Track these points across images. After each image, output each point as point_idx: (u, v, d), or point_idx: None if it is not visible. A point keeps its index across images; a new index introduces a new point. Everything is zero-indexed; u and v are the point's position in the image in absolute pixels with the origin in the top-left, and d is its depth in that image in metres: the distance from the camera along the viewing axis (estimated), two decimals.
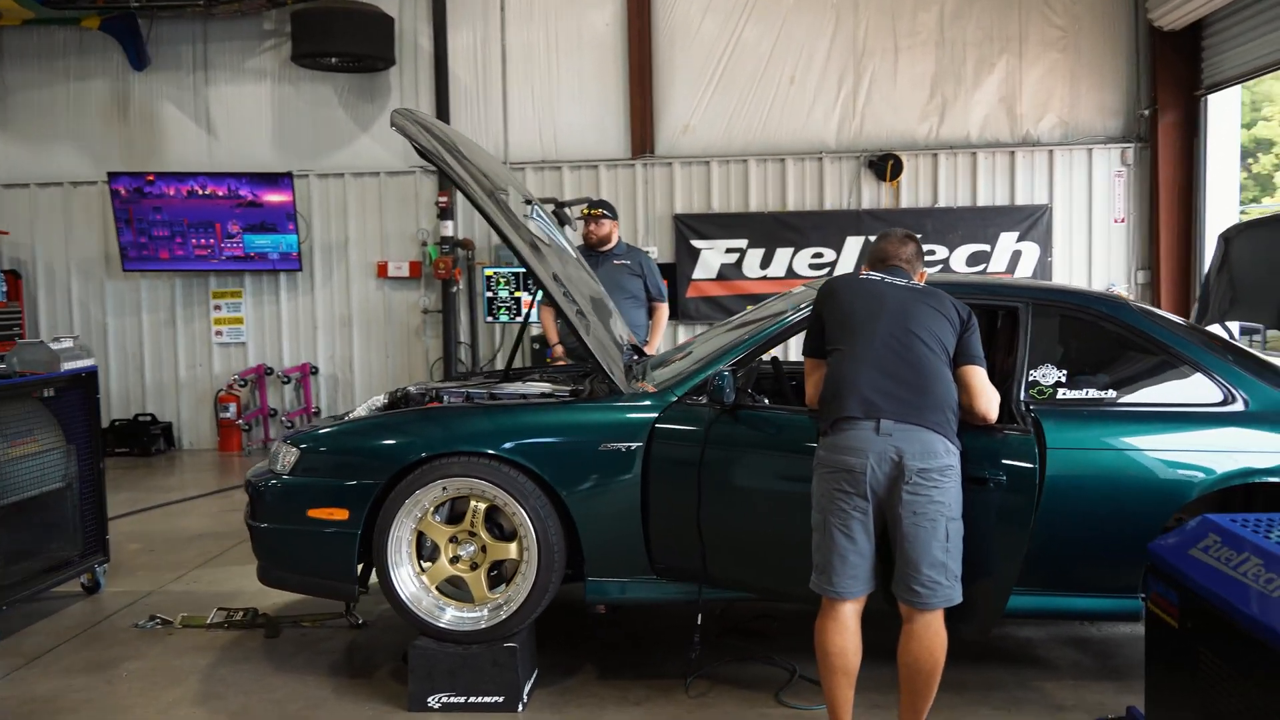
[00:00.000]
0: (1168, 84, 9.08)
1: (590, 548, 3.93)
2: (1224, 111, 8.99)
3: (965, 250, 9.45)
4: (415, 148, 4.14)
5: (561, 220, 8.38)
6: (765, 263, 9.59)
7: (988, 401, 3.36)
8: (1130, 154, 9.39)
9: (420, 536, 4.02)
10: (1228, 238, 5.07)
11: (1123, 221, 9.43)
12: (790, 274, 9.54)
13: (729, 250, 9.65)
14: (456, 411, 4.15)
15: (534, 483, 3.91)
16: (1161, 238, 9.15)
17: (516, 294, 9.33)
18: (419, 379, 9.59)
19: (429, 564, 4.03)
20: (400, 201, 9.92)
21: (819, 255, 9.57)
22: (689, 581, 3.94)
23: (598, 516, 3.91)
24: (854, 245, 9.53)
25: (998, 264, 9.41)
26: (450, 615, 3.98)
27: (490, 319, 9.30)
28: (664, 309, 6.88)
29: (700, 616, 3.93)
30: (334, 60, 9.57)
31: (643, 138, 9.70)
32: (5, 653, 4.64)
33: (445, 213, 9.64)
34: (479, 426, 4.00)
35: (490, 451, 3.92)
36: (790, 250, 9.57)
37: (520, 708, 3.90)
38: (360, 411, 4.77)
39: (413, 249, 9.93)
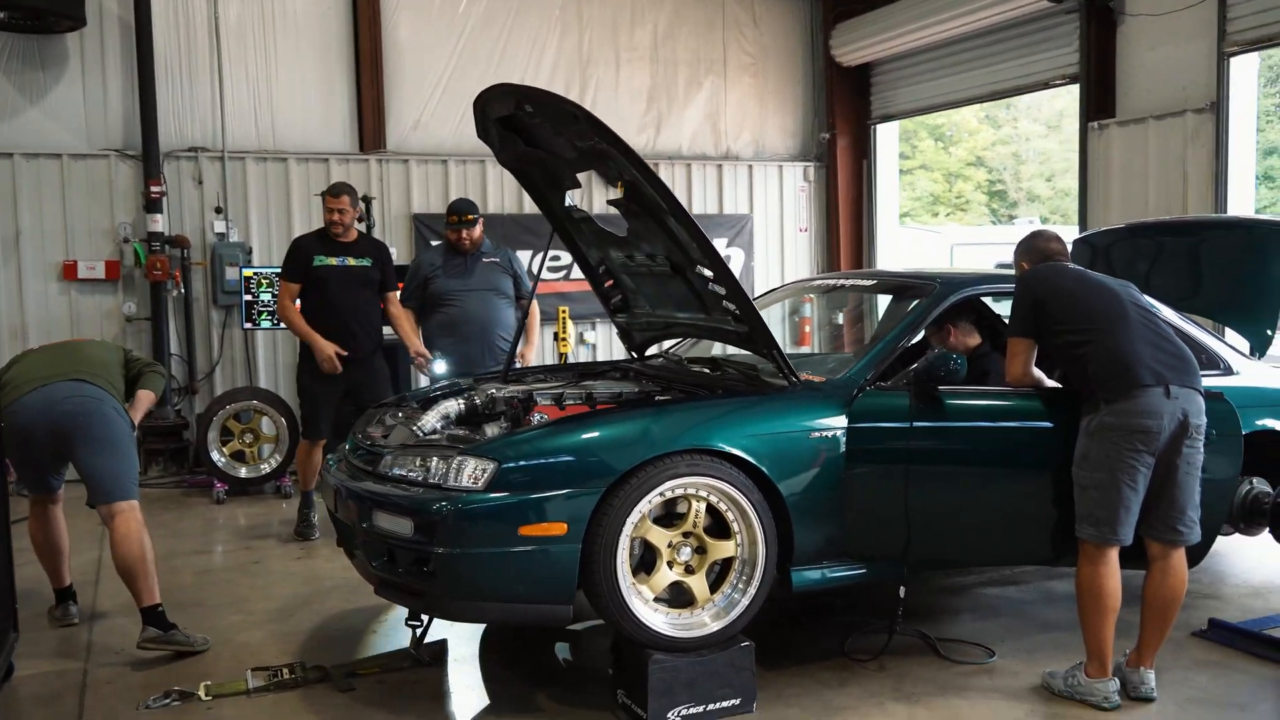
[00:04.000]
0: (844, 112, 10.51)
1: (800, 536, 3.95)
2: (889, 140, 10.62)
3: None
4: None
5: (362, 219, 7.81)
6: None
7: None
8: (811, 172, 10.70)
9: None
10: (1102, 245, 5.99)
11: (806, 231, 10.71)
12: (531, 277, 9.54)
13: None
14: (666, 409, 3.93)
15: (749, 477, 3.86)
16: (841, 245, 10.55)
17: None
18: None
19: (641, 573, 3.78)
20: (89, 190, 8.37)
21: (556, 258, 9.67)
22: (882, 561, 4.12)
23: (808, 505, 3.94)
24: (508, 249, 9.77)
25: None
26: (681, 622, 3.78)
27: (249, 325, 8.21)
28: (536, 307, 6.73)
29: (903, 592, 4.13)
30: (1, 15, 7.86)
31: (375, 132, 9.15)
32: None
33: (153, 204, 8.33)
34: (702, 423, 3.84)
35: (715, 448, 3.79)
36: (529, 253, 9.57)
37: (754, 707, 3.82)
38: (432, 420, 4.27)
39: (108, 246, 8.43)
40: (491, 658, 4.46)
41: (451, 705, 4.00)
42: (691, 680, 3.72)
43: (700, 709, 3.73)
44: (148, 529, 4.52)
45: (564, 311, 8.32)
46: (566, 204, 4.87)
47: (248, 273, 8.10)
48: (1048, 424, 4.14)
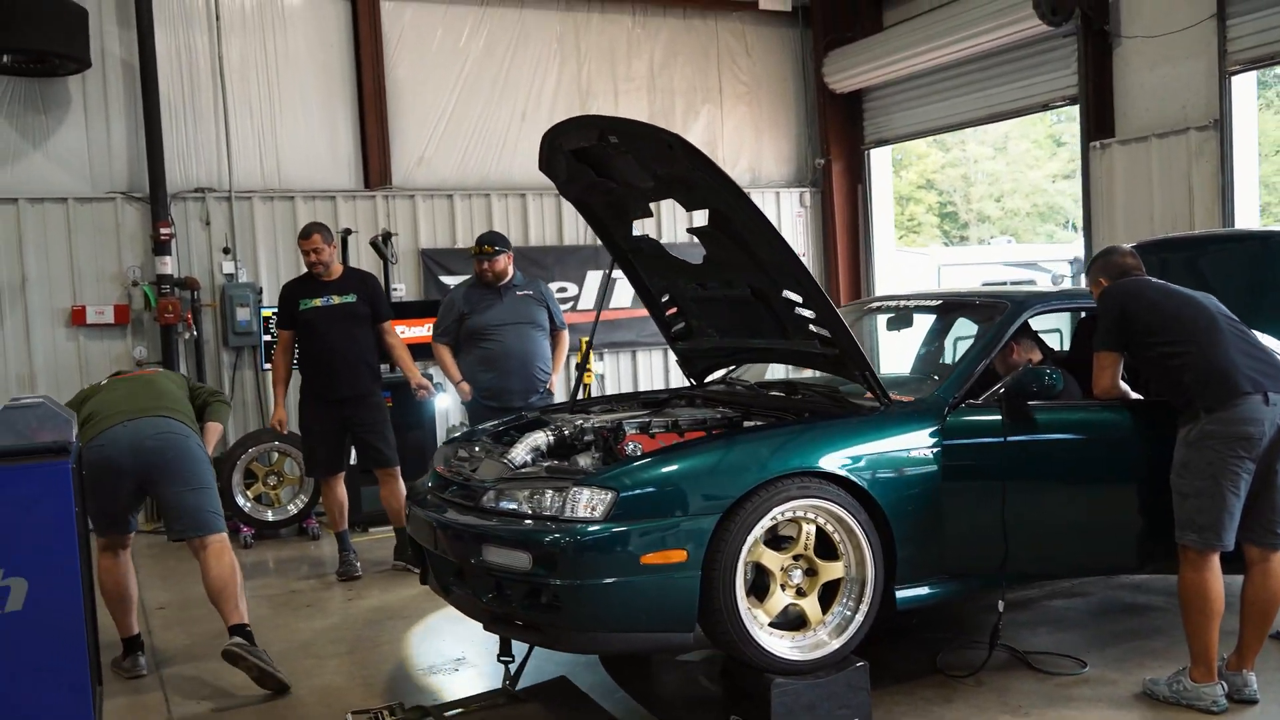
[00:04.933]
0: (838, 138, 10.68)
1: (903, 554, 3.99)
2: (883, 164, 10.80)
3: None
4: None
5: (381, 253, 7.80)
6: None
7: None
8: (807, 197, 10.84)
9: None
10: None
11: (804, 255, 10.83)
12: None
13: None
14: (772, 433, 3.96)
15: (855, 498, 3.90)
16: (840, 268, 10.69)
17: None
18: None
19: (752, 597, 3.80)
20: (96, 233, 8.25)
21: (563, 289, 9.71)
22: (979, 576, 4.17)
23: (909, 523, 3.98)
24: (593, 279, 9.85)
25: None
26: (802, 644, 3.80)
27: (269, 367, 8.10)
28: (566, 336, 6.76)
29: (1002, 606, 4.19)
30: (5, 59, 7.76)
31: (380, 168, 9.13)
32: None
33: (162, 247, 8.23)
34: (808, 446, 3.88)
35: (824, 470, 3.83)
36: None
37: None
38: (522, 453, 4.26)
39: (115, 290, 8.30)
40: (585, 691, 4.43)
41: None
42: (812, 703, 3.73)
43: None
44: (183, 578, 4.54)
45: (585, 341, 8.32)
46: (635, 234, 4.90)
47: (266, 313, 8.02)
48: (1135, 435, 4.25)
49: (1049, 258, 14.16)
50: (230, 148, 8.66)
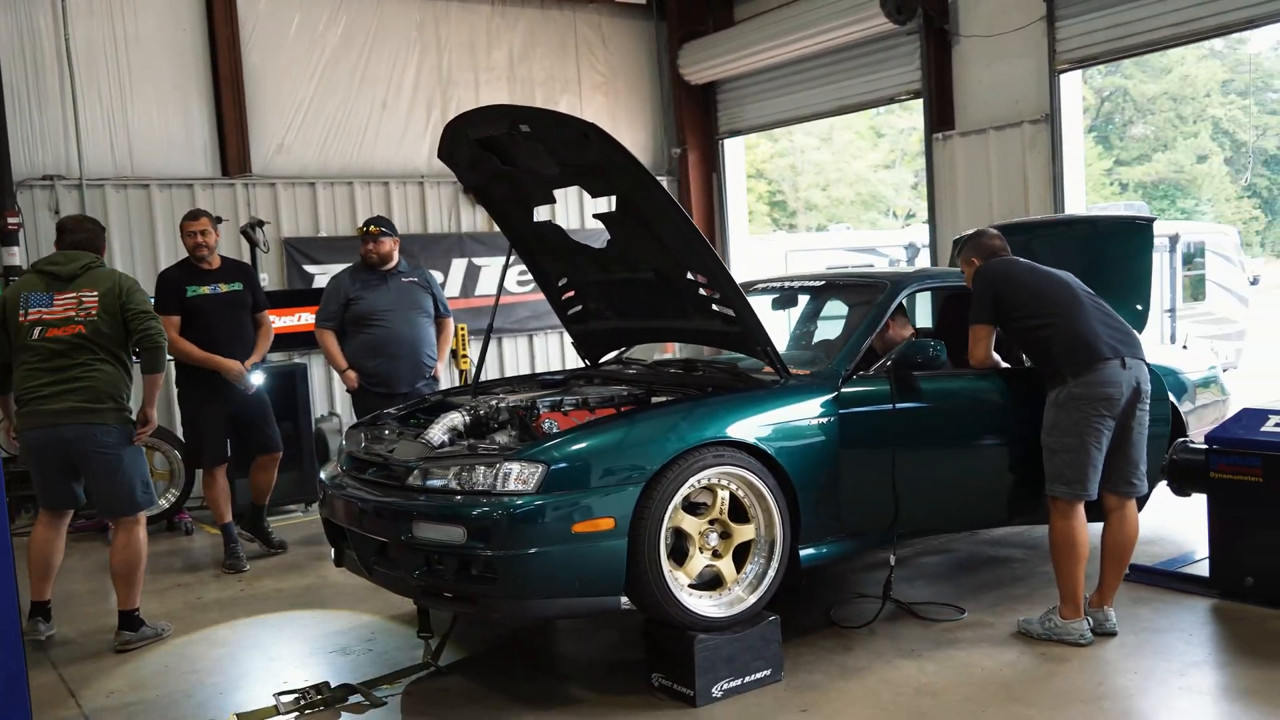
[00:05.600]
0: (694, 128, 11.02)
1: (806, 517, 4.29)
2: (736, 153, 11.20)
3: None
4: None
5: (251, 241, 7.70)
6: None
7: None
8: (665, 185, 11.12)
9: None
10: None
11: None
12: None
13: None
14: (689, 406, 4.19)
15: (764, 464, 4.18)
16: None
17: None
18: None
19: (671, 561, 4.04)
20: None
21: None
22: (872, 534, 4.52)
23: (812, 487, 4.29)
24: (459, 266, 9.90)
25: None
26: (722, 601, 4.06)
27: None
28: (451, 323, 6.86)
29: (894, 560, 4.55)
30: None
31: (239, 155, 8.94)
32: None
33: (8, 237, 7.86)
34: (721, 417, 4.13)
35: (736, 439, 4.10)
36: None
37: (782, 676, 4.13)
38: (439, 434, 4.37)
39: None
40: (506, 662, 4.59)
41: (491, 706, 4.10)
42: (731, 656, 4.00)
43: (739, 681, 4.01)
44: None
45: (463, 329, 8.40)
46: (537, 220, 5.05)
47: None
48: (1006, 401, 4.69)
49: (886, 243, 14.92)
50: (80, 134, 8.32)
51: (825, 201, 34.28)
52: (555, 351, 10.54)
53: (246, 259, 8.08)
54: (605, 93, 10.86)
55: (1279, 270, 33.12)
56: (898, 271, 5.60)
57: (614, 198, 4.54)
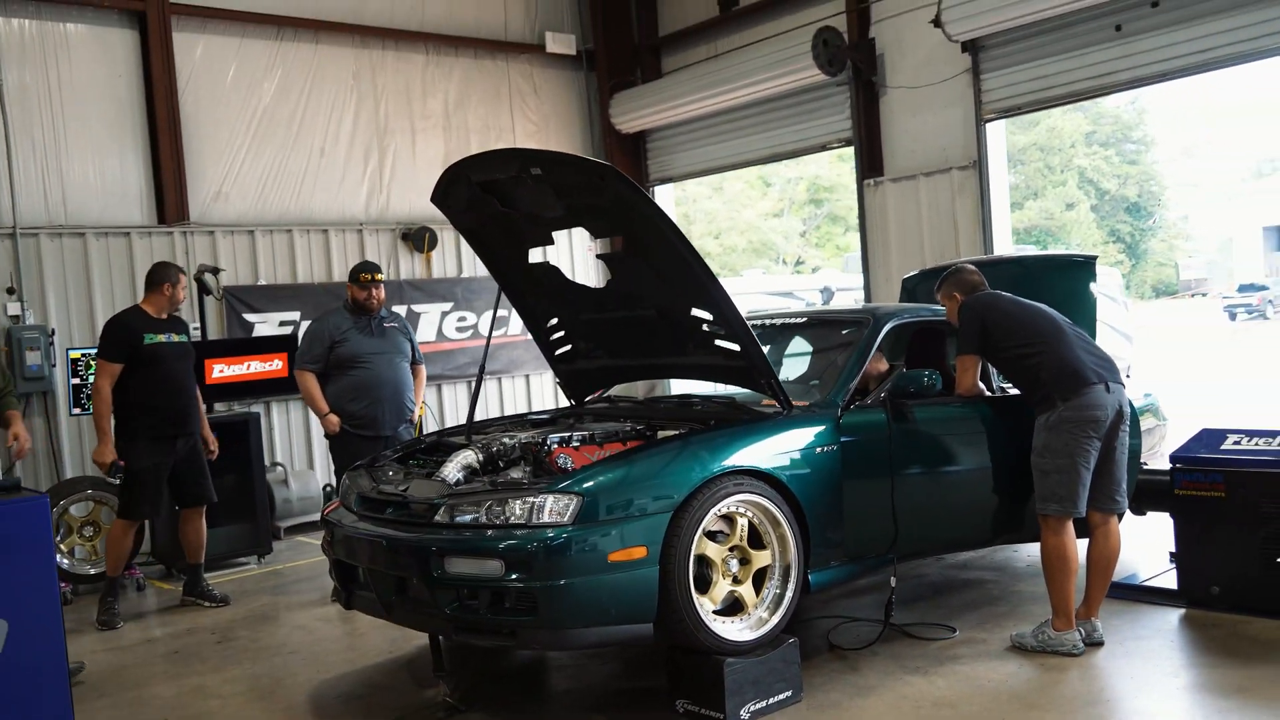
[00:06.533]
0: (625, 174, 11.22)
1: (815, 541, 4.46)
2: (666, 201, 11.45)
3: (490, 315, 10.41)
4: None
5: (204, 289, 7.63)
6: None
7: None
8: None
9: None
10: (910, 286, 7.01)
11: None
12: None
13: (283, 323, 9.23)
14: (706, 438, 4.31)
15: (778, 491, 4.35)
16: None
17: None
18: None
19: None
20: None
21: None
22: (873, 557, 4.71)
23: (820, 513, 4.47)
24: (399, 313, 9.85)
25: (515, 327, 10.52)
26: (745, 625, 4.18)
27: (78, 411, 7.60)
28: (424, 371, 6.89)
29: (894, 582, 4.74)
30: None
31: (177, 204, 8.81)
32: None
33: None
34: (739, 448, 4.27)
35: (754, 468, 4.25)
36: None
37: (801, 696, 4.27)
38: (454, 471, 4.43)
39: None
40: (520, 698, 4.62)
41: None
42: (756, 678, 4.12)
43: (764, 703, 4.13)
44: None
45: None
46: (533, 260, 5.15)
47: (75, 354, 7.56)
48: (991, 427, 4.96)
49: (801, 287, 15.37)
50: (13, 181, 8.12)
51: (718, 249, 34.92)
52: (494, 397, 10.58)
53: (196, 306, 8.01)
54: (538, 140, 11.02)
55: (1143, 312, 35.13)
56: (878, 306, 5.84)
57: (618, 238, 4.67)
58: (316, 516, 8.75)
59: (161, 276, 6.27)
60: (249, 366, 7.99)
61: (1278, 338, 25.75)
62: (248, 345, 8.22)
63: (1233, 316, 33.35)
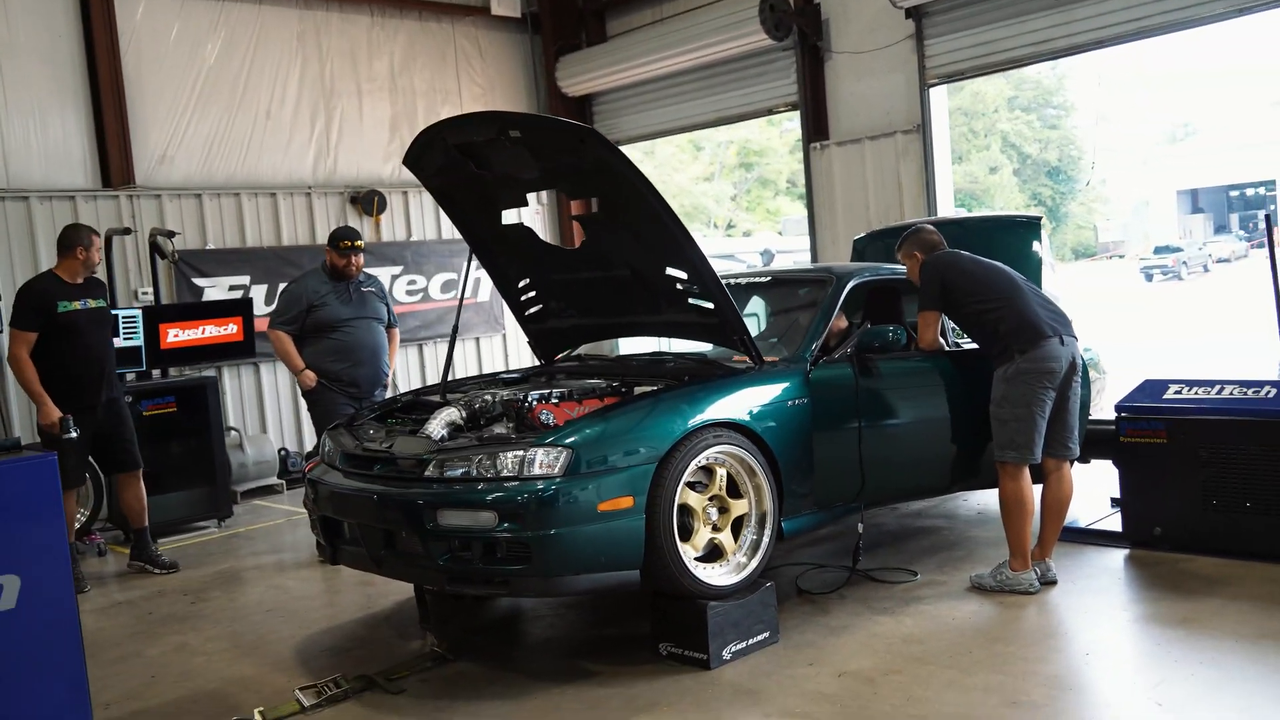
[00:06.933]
0: None
1: (788, 490, 4.66)
2: None
3: (439, 278, 10.47)
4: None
5: (160, 252, 7.58)
6: (270, 298, 9.35)
7: None
8: (544, 195, 11.36)
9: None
10: (860, 247, 7.23)
11: None
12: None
13: (233, 288, 9.20)
14: (688, 392, 4.46)
15: (754, 443, 4.53)
16: None
17: None
18: None
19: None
20: None
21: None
22: (841, 505, 4.93)
23: (793, 464, 4.66)
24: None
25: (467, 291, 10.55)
26: (726, 570, 4.37)
27: None
28: (397, 333, 6.93)
29: (861, 529, 4.96)
30: None
31: (122, 167, 8.69)
32: None
33: None
34: (716, 401, 4.44)
35: (732, 420, 4.42)
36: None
37: (779, 637, 4.47)
38: (438, 428, 4.53)
39: None
40: (506, 647, 4.76)
41: (511, 685, 4.27)
42: (736, 620, 4.31)
43: (744, 644, 4.32)
44: None
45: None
46: (506, 222, 5.24)
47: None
48: (951, 380, 5.19)
49: (742, 250, 15.58)
50: None
51: None
52: (442, 360, 10.60)
53: (148, 270, 7.96)
54: (484, 103, 11.00)
55: (1064, 273, 36.12)
56: (836, 265, 6.03)
57: (596, 199, 4.78)
58: (273, 480, 8.79)
59: (73, 240, 6.01)
60: (203, 331, 7.95)
61: (1191, 299, 26.69)
62: (202, 309, 8.17)
63: (1149, 278, 34.35)
